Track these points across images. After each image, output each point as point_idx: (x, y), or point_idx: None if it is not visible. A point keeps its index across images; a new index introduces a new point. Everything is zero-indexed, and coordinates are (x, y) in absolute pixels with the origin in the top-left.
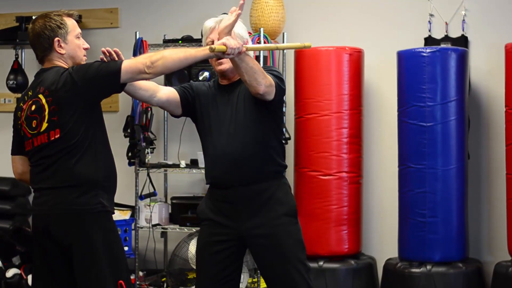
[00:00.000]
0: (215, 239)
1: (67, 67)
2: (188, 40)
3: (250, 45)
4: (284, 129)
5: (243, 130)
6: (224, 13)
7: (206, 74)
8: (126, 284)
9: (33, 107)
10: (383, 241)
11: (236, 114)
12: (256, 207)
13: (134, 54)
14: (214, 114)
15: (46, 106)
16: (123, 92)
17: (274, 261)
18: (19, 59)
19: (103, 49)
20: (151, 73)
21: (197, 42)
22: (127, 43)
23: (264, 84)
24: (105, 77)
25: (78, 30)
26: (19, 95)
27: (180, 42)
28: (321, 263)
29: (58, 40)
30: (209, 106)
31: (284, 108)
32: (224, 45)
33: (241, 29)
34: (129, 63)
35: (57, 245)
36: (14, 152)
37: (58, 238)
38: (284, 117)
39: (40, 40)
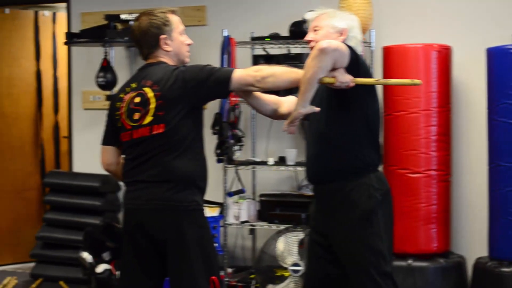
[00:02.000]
0: (314, 230)
1: (172, 64)
2: (275, 38)
3: (359, 79)
4: (375, 129)
5: (317, 127)
6: (311, 11)
7: None
8: (219, 280)
9: (137, 99)
10: (472, 239)
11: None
12: (331, 207)
13: (222, 52)
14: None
15: (152, 100)
16: None
17: (347, 264)
18: (108, 57)
19: None
20: (259, 88)
21: (285, 39)
22: (215, 41)
23: (318, 49)
24: (215, 83)
25: (182, 27)
26: (108, 93)
27: (267, 39)
28: (410, 261)
29: (165, 37)
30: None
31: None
32: (334, 78)
33: (337, 19)
34: (240, 74)
35: (151, 240)
36: (105, 142)
37: (152, 233)
38: (376, 116)
39: (146, 37)
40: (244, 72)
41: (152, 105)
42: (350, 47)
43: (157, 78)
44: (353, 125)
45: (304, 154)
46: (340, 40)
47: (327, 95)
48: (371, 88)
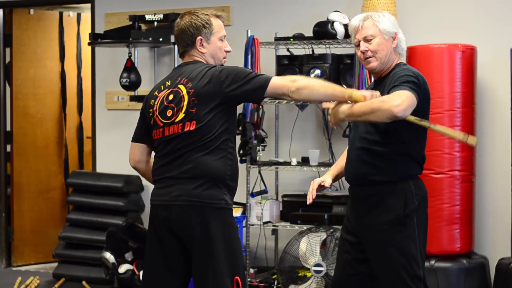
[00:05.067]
0: (346, 229)
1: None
2: (299, 38)
3: (411, 117)
4: (422, 135)
5: (363, 131)
6: (336, 11)
7: (318, 71)
8: (242, 281)
9: (171, 97)
10: (495, 240)
11: None
12: (366, 209)
13: (246, 52)
14: None
15: (186, 97)
16: None
17: (379, 267)
18: (132, 58)
19: None
20: (293, 98)
21: (309, 39)
22: (239, 41)
23: (391, 109)
24: (251, 87)
25: (223, 33)
26: (132, 93)
27: (291, 40)
28: (432, 262)
29: (201, 39)
30: None
31: None
32: (364, 97)
33: (387, 24)
34: (276, 82)
35: (176, 237)
36: (136, 139)
37: (178, 229)
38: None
39: (183, 35)
40: (280, 81)
41: (185, 101)
42: (415, 90)
43: (192, 76)
44: (399, 135)
45: (347, 152)
46: (394, 44)
47: None
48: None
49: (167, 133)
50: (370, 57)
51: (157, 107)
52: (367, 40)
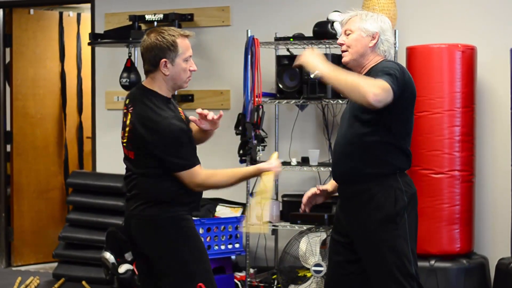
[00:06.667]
0: (336, 229)
1: (164, 87)
2: (299, 38)
3: None
4: (406, 128)
5: (348, 127)
6: (336, 11)
7: (317, 72)
8: (208, 284)
9: (124, 118)
10: (495, 240)
11: (349, 108)
12: (356, 209)
13: (246, 52)
14: (345, 108)
15: (128, 128)
16: (234, 90)
17: (371, 266)
18: (132, 57)
19: (198, 111)
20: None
21: (309, 39)
22: (239, 41)
23: (368, 95)
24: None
25: (189, 53)
26: None
27: (291, 40)
28: (432, 262)
29: (165, 61)
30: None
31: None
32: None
33: (369, 23)
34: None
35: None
36: None
37: (136, 245)
38: (408, 115)
39: (148, 55)
40: (187, 175)
41: (126, 133)
42: (394, 84)
43: (136, 113)
44: (383, 129)
45: (332, 152)
46: (371, 44)
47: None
48: (405, 94)
49: (124, 151)
50: (344, 51)
51: (123, 120)
52: (346, 34)
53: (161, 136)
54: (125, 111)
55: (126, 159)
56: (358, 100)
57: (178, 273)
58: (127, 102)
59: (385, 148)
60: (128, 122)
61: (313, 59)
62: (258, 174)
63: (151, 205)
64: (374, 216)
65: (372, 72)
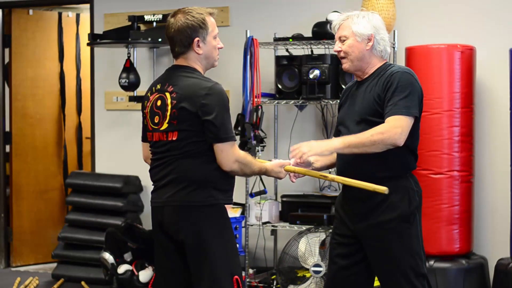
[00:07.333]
0: (338, 231)
1: (200, 67)
2: (298, 38)
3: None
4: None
5: (357, 130)
6: (335, 11)
7: (317, 72)
8: (241, 279)
9: (159, 102)
10: (494, 240)
11: (355, 111)
12: (369, 209)
13: (245, 53)
14: (344, 109)
15: (169, 106)
16: (233, 90)
17: (383, 266)
18: (131, 58)
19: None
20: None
21: (308, 40)
22: (238, 42)
23: (396, 142)
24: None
25: (217, 30)
26: (132, 94)
27: (290, 40)
28: (431, 262)
29: (198, 40)
30: (344, 101)
31: None
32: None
33: (362, 26)
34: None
35: (170, 238)
36: (142, 138)
37: (171, 231)
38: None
39: (180, 37)
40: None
41: (168, 112)
42: (413, 105)
43: (179, 86)
44: None
45: (340, 156)
46: (368, 47)
47: (371, 101)
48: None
49: (155, 139)
50: (343, 57)
51: (148, 110)
52: (341, 40)
53: (215, 98)
54: (157, 96)
55: (162, 146)
56: (386, 149)
57: (220, 264)
58: (158, 87)
59: (397, 149)
60: (169, 101)
61: (317, 147)
62: (265, 174)
63: (194, 189)
64: (388, 216)
65: (383, 79)
